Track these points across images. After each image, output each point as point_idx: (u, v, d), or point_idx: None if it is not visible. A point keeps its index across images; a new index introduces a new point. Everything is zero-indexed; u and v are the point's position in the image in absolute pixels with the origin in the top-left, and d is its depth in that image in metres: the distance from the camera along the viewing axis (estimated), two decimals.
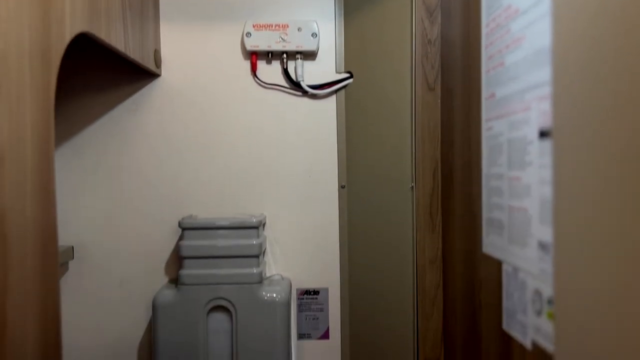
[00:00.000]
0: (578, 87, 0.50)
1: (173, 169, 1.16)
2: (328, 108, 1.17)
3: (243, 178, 1.17)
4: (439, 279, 1.12)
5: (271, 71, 1.17)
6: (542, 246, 0.60)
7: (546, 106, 0.58)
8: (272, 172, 1.17)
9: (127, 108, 1.15)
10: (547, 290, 0.59)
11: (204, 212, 1.16)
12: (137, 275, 1.15)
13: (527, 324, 0.65)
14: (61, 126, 1.14)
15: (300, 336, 1.18)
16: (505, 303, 0.73)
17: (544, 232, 0.59)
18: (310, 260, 1.18)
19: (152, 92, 1.16)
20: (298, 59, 1.15)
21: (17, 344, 0.56)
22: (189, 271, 1.06)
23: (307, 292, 1.18)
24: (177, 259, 1.13)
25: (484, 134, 0.80)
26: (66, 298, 1.13)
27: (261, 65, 1.17)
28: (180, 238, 1.07)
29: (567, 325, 0.53)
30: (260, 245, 1.07)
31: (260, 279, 1.06)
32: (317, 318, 1.18)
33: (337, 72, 1.17)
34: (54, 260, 0.63)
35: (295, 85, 1.16)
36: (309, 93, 1.16)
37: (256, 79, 1.17)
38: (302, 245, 1.18)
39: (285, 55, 1.15)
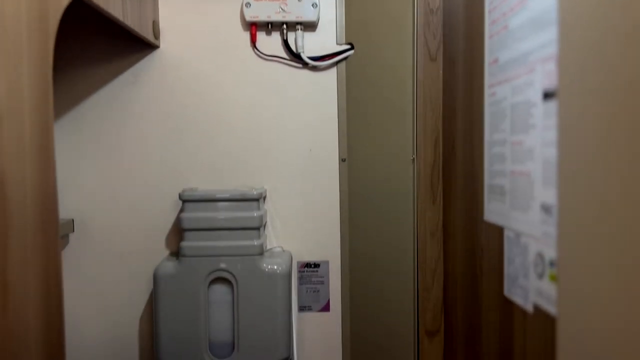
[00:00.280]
0: (585, 44, 0.49)
1: (173, 142, 1.15)
2: (328, 80, 1.16)
3: (243, 151, 1.16)
4: (439, 251, 1.13)
5: (271, 42, 1.15)
6: (545, 209, 0.59)
7: (551, 67, 0.57)
8: (272, 144, 1.16)
9: (126, 80, 1.14)
10: (550, 253, 0.59)
11: (204, 185, 1.16)
12: (138, 247, 1.15)
13: (528, 288, 0.66)
14: (61, 97, 1.13)
15: (301, 308, 1.19)
16: (506, 269, 0.73)
17: (547, 194, 0.59)
18: (311, 234, 1.18)
19: (151, 64, 1.14)
20: (298, 29, 1.13)
21: (19, 312, 0.56)
22: (190, 243, 1.06)
23: (307, 264, 1.18)
24: (178, 232, 1.13)
25: (487, 101, 0.79)
26: (67, 271, 1.13)
27: (261, 36, 1.15)
28: (181, 210, 1.07)
29: (570, 286, 0.53)
30: (261, 218, 1.07)
31: (261, 251, 1.06)
32: (318, 291, 1.19)
33: (337, 43, 1.16)
34: (54, 226, 0.63)
35: (295, 56, 1.15)
36: (310, 65, 1.15)
37: (256, 50, 1.15)
38: (303, 219, 1.18)
39: (285, 26, 1.13)
